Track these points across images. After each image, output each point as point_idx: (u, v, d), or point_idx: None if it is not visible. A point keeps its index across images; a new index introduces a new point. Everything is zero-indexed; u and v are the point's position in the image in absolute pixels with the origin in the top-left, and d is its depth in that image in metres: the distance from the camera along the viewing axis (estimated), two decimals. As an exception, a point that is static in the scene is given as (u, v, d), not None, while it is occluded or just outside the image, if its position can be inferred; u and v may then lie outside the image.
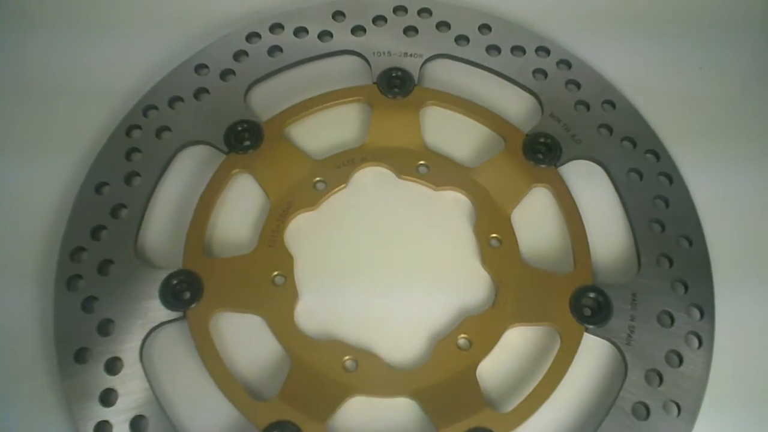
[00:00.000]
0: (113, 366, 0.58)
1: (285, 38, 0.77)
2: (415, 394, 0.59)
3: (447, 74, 0.77)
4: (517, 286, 0.64)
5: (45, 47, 0.79)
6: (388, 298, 0.65)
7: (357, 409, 0.59)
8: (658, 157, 0.71)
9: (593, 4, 0.85)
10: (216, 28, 0.79)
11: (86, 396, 0.57)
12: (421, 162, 0.70)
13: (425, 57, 0.76)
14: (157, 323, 0.60)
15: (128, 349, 0.59)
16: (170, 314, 0.60)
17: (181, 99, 0.72)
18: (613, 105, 0.74)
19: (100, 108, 0.73)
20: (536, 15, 0.82)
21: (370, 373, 0.60)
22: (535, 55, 0.77)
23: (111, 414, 0.57)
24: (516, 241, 0.66)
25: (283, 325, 0.62)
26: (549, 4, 0.84)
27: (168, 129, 0.70)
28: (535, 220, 0.68)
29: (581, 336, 0.61)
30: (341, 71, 0.77)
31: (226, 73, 0.74)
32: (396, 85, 0.74)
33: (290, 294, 0.63)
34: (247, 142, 0.70)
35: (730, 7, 0.85)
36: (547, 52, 0.77)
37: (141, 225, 0.66)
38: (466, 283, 0.65)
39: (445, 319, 0.63)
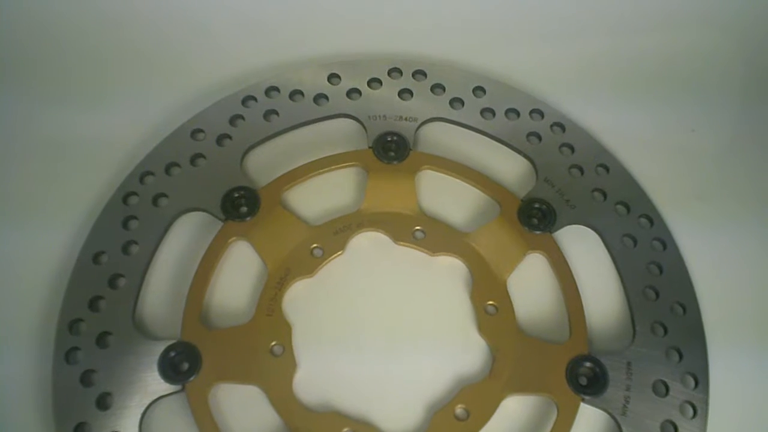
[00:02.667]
0: (113, 441, 0.58)
1: (281, 102, 0.78)
2: (414, 468, 0.60)
3: (442, 137, 0.78)
4: (513, 355, 0.64)
5: (42, 115, 0.80)
6: (386, 366, 0.65)
7: (356, 483, 0.60)
8: (651, 221, 0.72)
9: (587, 67, 0.86)
10: (211, 91, 0.79)
11: (87, 473, 0.57)
12: (417, 227, 0.71)
13: (420, 121, 0.77)
14: (156, 396, 0.60)
15: (127, 424, 0.59)
16: (169, 387, 0.60)
17: (177, 165, 0.72)
18: (607, 168, 0.75)
19: (96, 174, 0.74)
20: (530, 77, 0.83)
21: (369, 446, 0.61)
22: (530, 118, 0.78)
23: (111, 491, 0.57)
24: (512, 309, 0.67)
25: (281, 396, 0.62)
26: (543, 66, 0.86)
27: (165, 196, 0.71)
28: (530, 287, 0.69)
29: (578, 406, 0.61)
30: (337, 134, 0.78)
31: (222, 138, 0.75)
32: (391, 149, 0.75)
33: (289, 364, 0.63)
34: (244, 209, 0.70)
35: (718, 72, 0.87)
36: (541, 114, 0.78)
37: (139, 295, 0.66)
38: (463, 351, 0.66)
39: (442, 387, 0.64)
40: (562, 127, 0.77)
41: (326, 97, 0.78)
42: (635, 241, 0.70)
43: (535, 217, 0.71)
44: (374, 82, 0.80)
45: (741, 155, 0.80)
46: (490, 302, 0.67)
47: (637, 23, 0.89)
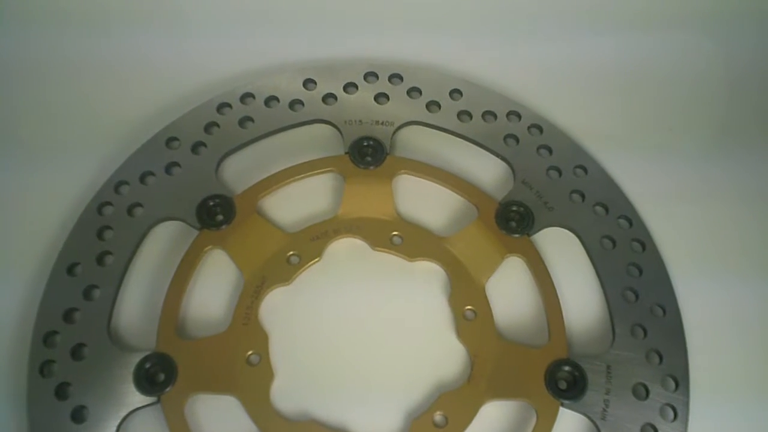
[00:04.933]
0: (88, 455, 0.58)
1: (256, 108, 0.77)
2: (392, 476, 0.59)
3: (419, 141, 0.78)
4: (492, 360, 0.64)
5: (17, 124, 0.79)
6: (364, 373, 0.65)
7: (335, 492, 0.60)
8: (630, 222, 0.71)
9: (564, 69, 0.86)
10: (186, 99, 0.78)
11: (62, 488, 0.57)
12: (395, 233, 0.70)
13: (397, 125, 0.76)
14: (131, 408, 0.60)
15: (103, 438, 0.59)
16: (145, 399, 0.60)
17: (152, 174, 0.72)
18: (585, 170, 0.75)
19: (71, 184, 0.73)
20: (507, 79, 0.83)
21: (347, 455, 0.60)
22: (507, 120, 0.77)
23: (87, 506, 0.56)
24: (491, 313, 0.66)
25: (259, 406, 0.61)
26: (519, 68, 0.85)
27: (140, 205, 0.70)
28: (509, 291, 0.68)
29: (557, 411, 0.61)
30: (313, 140, 0.77)
31: (197, 146, 0.74)
32: (368, 154, 0.74)
33: (266, 373, 0.63)
34: (220, 217, 0.70)
35: (696, 70, 0.87)
36: (519, 116, 0.78)
37: (114, 306, 0.65)
38: (442, 357, 0.65)
39: (421, 394, 0.63)
40: (540, 129, 0.77)
41: (302, 103, 0.78)
42: (614, 243, 0.70)
43: (513, 220, 0.71)
44: (350, 87, 0.79)
45: (720, 154, 0.80)
46: (469, 307, 0.67)
47: (613, 23, 0.88)
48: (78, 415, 0.59)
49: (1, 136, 0.79)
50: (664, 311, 0.66)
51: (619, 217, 0.72)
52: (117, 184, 0.71)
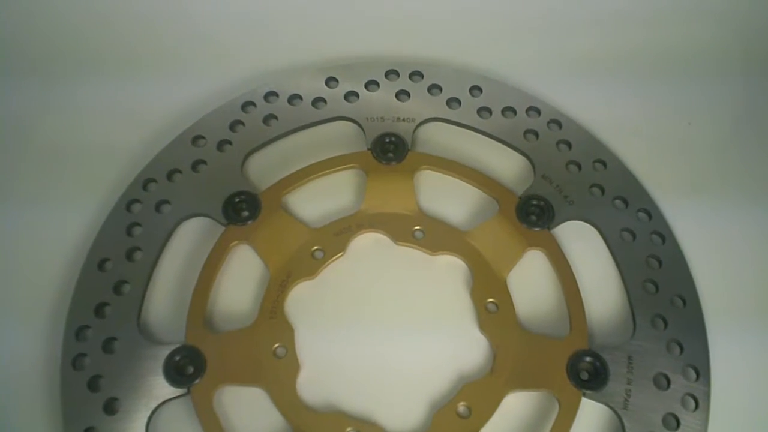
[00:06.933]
0: (121, 445, 0.59)
1: (280, 106, 0.78)
2: (417, 466, 0.60)
3: (439, 137, 0.78)
4: (514, 351, 0.64)
5: (45, 123, 0.81)
6: (388, 365, 0.65)
7: (360, 482, 0.60)
8: (650, 215, 0.72)
9: (582, 63, 0.87)
10: (211, 98, 0.80)
11: (95, 477, 0.58)
12: (417, 227, 0.71)
13: (418, 121, 0.77)
14: (161, 400, 0.61)
15: (134, 428, 0.59)
16: (174, 391, 0.61)
17: (179, 171, 0.73)
18: (605, 164, 0.75)
19: (99, 183, 0.75)
20: (526, 74, 0.83)
21: (372, 444, 0.61)
22: (526, 116, 0.78)
23: (120, 495, 0.58)
24: (512, 305, 0.67)
25: (285, 397, 0.62)
26: (539, 63, 0.86)
27: (167, 202, 0.71)
28: (530, 284, 0.69)
29: (579, 401, 0.61)
30: (336, 137, 0.78)
31: (222, 144, 0.75)
32: (390, 150, 0.75)
33: (292, 365, 0.64)
34: (246, 213, 0.71)
35: (714, 64, 0.87)
36: (538, 112, 0.79)
37: (143, 300, 0.66)
38: (465, 349, 0.66)
39: (444, 385, 0.64)
40: (559, 124, 0.78)
41: (324, 101, 0.79)
42: (634, 236, 0.71)
43: (534, 213, 0.72)
44: (371, 85, 0.80)
45: (738, 147, 0.80)
46: (491, 300, 0.68)
47: (631, 17, 0.89)
48: (110, 406, 0.60)
49: (33, 137, 0.80)
50: (685, 302, 0.67)
51: (638, 211, 0.72)
52: (145, 182, 0.72)
